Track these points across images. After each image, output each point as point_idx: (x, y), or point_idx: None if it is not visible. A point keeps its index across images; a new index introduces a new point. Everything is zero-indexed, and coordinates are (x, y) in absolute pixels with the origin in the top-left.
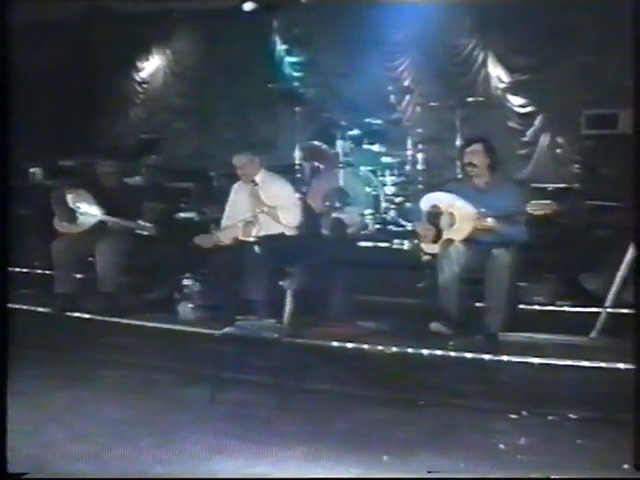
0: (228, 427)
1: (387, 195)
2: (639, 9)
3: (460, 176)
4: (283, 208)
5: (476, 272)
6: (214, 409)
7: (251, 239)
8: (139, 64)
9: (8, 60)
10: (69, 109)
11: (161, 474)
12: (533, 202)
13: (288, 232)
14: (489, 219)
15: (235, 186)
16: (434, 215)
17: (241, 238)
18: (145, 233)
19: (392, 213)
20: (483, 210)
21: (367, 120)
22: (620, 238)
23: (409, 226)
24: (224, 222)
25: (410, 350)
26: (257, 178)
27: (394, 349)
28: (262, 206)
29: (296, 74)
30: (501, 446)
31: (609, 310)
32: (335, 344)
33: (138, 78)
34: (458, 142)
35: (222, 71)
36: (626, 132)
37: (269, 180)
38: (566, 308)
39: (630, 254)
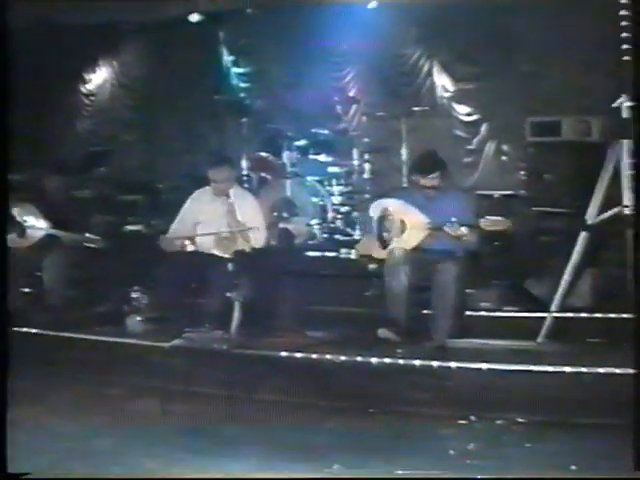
0: (178, 440)
1: (334, 205)
2: (639, 9)
3: (407, 185)
4: (254, 229)
5: (424, 280)
6: (164, 422)
7: (227, 255)
8: (86, 76)
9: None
10: (14, 122)
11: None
12: (487, 218)
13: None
14: (463, 228)
15: (196, 194)
16: (384, 221)
17: (217, 253)
18: (93, 246)
19: (339, 222)
20: (432, 218)
21: (314, 130)
22: (565, 243)
23: (356, 235)
24: (175, 226)
25: (359, 358)
26: (231, 192)
27: (343, 358)
28: (239, 224)
29: (243, 85)
30: (451, 451)
31: (555, 315)
32: (284, 354)
33: (85, 90)
34: (405, 154)
35: (169, 83)
36: (569, 139)
37: (242, 197)
38: (513, 313)
39: (574, 259)
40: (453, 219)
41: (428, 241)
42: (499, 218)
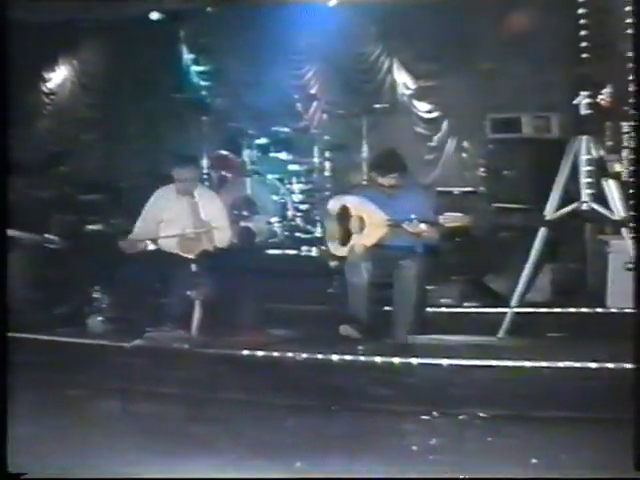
0: (141, 440)
1: (295, 202)
2: (639, 9)
3: (367, 182)
4: (219, 229)
5: (385, 277)
6: (126, 422)
7: (190, 256)
8: (45, 75)
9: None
10: None
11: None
12: (446, 214)
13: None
14: (422, 225)
15: (160, 192)
16: (343, 217)
17: (180, 253)
18: (53, 246)
19: (299, 220)
20: (392, 215)
21: (274, 128)
22: (524, 239)
23: (317, 232)
24: (139, 224)
25: (320, 356)
26: (195, 192)
27: (304, 355)
28: (203, 224)
29: (203, 83)
30: (413, 447)
31: (515, 310)
32: (245, 353)
33: (45, 89)
34: (365, 152)
35: (129, 81)
36: (529, 136)
37: (206, 197)
38: (473, 309)
39: (534, 255)
40: (412, 216)
41: (388, 238)
42: (458, 214)
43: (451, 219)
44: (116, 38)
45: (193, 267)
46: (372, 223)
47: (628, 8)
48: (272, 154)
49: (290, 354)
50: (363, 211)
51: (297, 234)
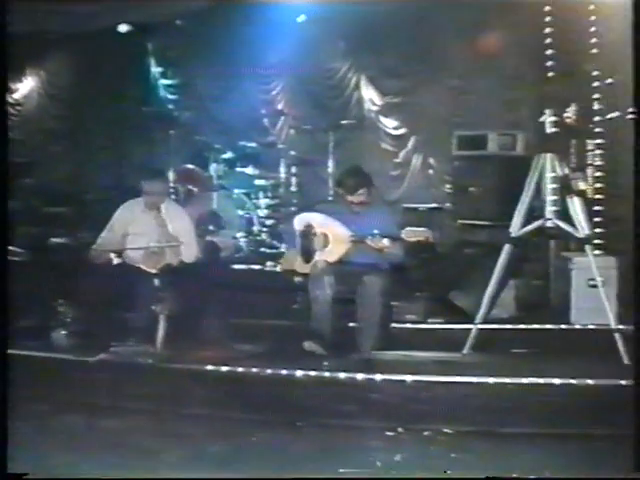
0: (105, 455)
1: (260, 217)
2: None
3: (333, 198)
4: (186, 244)
5: (349, 293)
6: (90, 437)
7: (153, 271)
8: (12, 85)
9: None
10: None
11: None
12: (408, 229)
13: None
14: (385, 240)
15: (128, 204)
16: (307, 235)
17: (144, 268)
18: (17, 259)
19: (265, 235)
20: (356, 231)
21: (241, 143)
22: (489, 256)
23: (282, 248)
24: (104, 234)
25: (285, 372)
26: (162, 206)
27: (269, 371)
28: (170, 238)
29: (171, 97)
30: (378, 463)
31: (480, 326)
32: (210, 368)
33: (11, 100)
34: (332, 167)
35: (97, 93)
36: (495, 153)
37: (173, 211)
38: (438, 325)
39: (498, 271)
40: (375, 231)
41: (351, 254)
42: (420, 229)
43: (413, 234)
44: (84, 50)
45: (156, 281)
46: (336, 239)
47: (593, 28)
48: (239, 169)
49: (255, 369)
50: (327, 228)
51: (262, 249)
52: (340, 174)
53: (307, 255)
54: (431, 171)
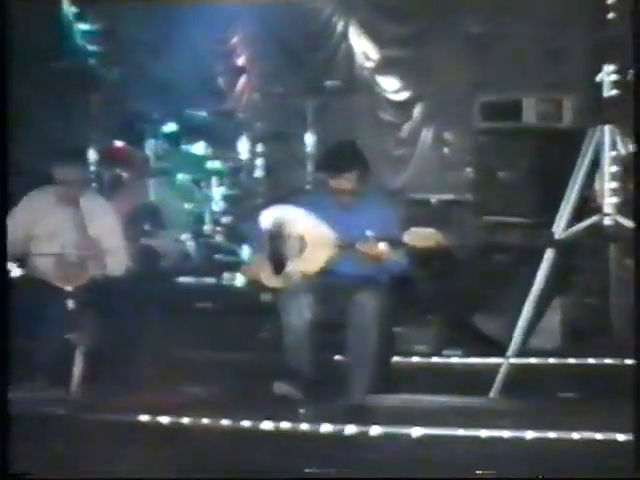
0: None
1: (215, 213)
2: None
3: (312, 188)
4: (112, 250)
5: (335, 315)
6: None
7: (68, 287)
8: None
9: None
10: None
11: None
12: (414, 230)
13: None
14: (381, 244)
15: (33, 197)
16: (278, 237)
17: (55, 282)
18: None
19: (221, 237)
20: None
21: (187, 111)
22: (525, 265)
23: (244, 255)
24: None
25: (247, 423)
26: (81, 200)
27: (226, 422)
28: (90, 243)
29: (91, 48)
30: None
31: (513, 361)
32: (145, 418)
33: None
34: (311, 145)
35: None
36: (533, 125)
37: (95, 206)
38: (456, 359)
39: (538, 285)
40: (369, 232)
41: (338, 263)
42: (428, 230)
43: (418, 237)
44: None
45: (71, 302)
46: (316, 243)
47: None
48: (184, 146)
49: (207, 420)
50: (305, 227)
51: (217, 256)
52: (323, 152)
53: (278, 264)
54: (446, 150)
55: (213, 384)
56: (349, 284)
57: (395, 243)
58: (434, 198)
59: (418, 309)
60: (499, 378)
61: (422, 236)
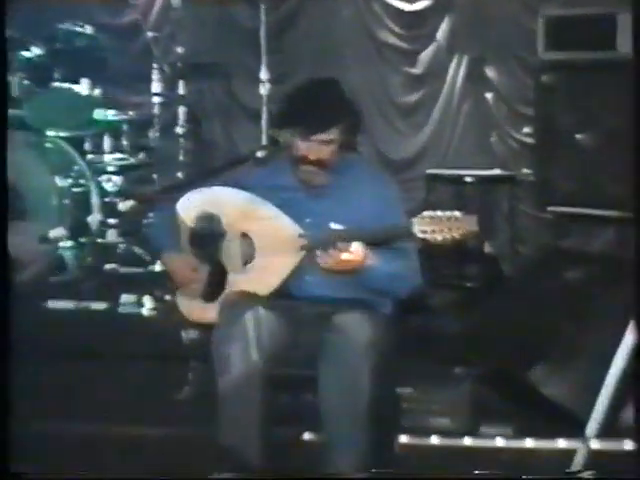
0: None
1: (106, 194)
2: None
3: (265, 153)
4: None
5: (302, 363)
6: None
7: None
8: None
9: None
10: None
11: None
12: (426, 215)
13: None
14: (355, 245)
15: None
16: (208, 238)
17: None
18: None
19: (114, 235)
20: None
21: (63, 27)
22: (614, 286)
23: (155, 265)
24: None
25: None
26: None
27: None
28: None
29: None
30: None
31: (592, 444)
32: None
33: None
34: (266, 87)
35: None
36: (627, 54)
37: None
38: (502, 442)
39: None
40: (333, 225)
41: (308, 277)
42: (455, 214)
43: (440, 224)
44: None
45: None
46: (271, 247)
47: None
48: (57, 84)
49: None
50: (252, 221)
51: (110, 267)
52: (285, 99)
53: (209, 282)
54: (489, 96)
55: (110, 472)
56: (325, 312)
57: (401, 233)
58: (468, 175)
59: (439, 355)
60: (574, 465)
61: (444, 222)
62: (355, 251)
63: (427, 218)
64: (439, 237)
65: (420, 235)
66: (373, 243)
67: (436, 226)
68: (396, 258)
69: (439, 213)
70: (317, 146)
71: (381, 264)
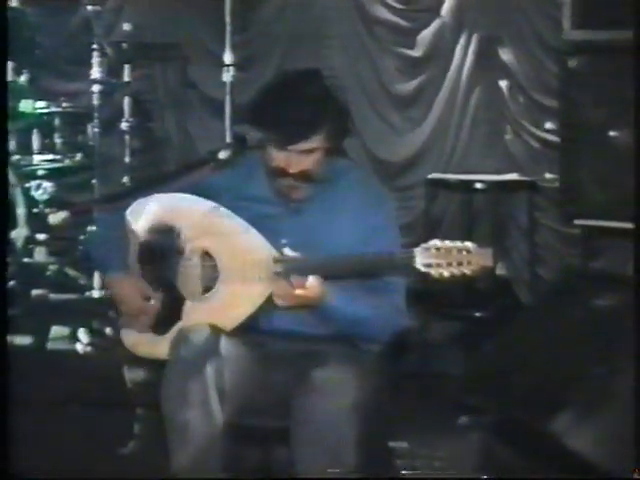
0: None
1: (35, 203)
2: None
3: (229, 154)
4: None
5: (275, 416)
6: None
7: None
8: None
9: None
10: None
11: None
12: (432, 245)
13: None
14: (309, 282)
15: None
16: (161, 257)
17: None
18: None
19: (45, 254)
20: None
21: None
22: None
23: (95, 290)
24: None
25: None
26: None
27: None
28: None
29: None
30: None
31: None
32: None
33: None
34: (229, 59)
35: None
36: None
37: None
38: None
39: None
40: (289, 252)
41: (281, 308)
42: (466, 245)
43: (451, 256)
44: None
45: None
46: (237, 270)
47: None
48: None
49: None
50: (214, 236)
51: (37, 292)
52: (257, 95)
53: (162, 311)
54: (503, 84)
55: None
56: (305, 351)
57: (386, 268)
58: (478, 181)
59: (440, 401)
60: None
61: (454, 257)
62: (310, 287)
63: (433, 249)
64: (446, 273)
65: (423, 269)
66: (349, 276)
67: (443, 259)
68: (376, 296)
69: (448, 243)
70: (297, 157)
71: (344, 304)
